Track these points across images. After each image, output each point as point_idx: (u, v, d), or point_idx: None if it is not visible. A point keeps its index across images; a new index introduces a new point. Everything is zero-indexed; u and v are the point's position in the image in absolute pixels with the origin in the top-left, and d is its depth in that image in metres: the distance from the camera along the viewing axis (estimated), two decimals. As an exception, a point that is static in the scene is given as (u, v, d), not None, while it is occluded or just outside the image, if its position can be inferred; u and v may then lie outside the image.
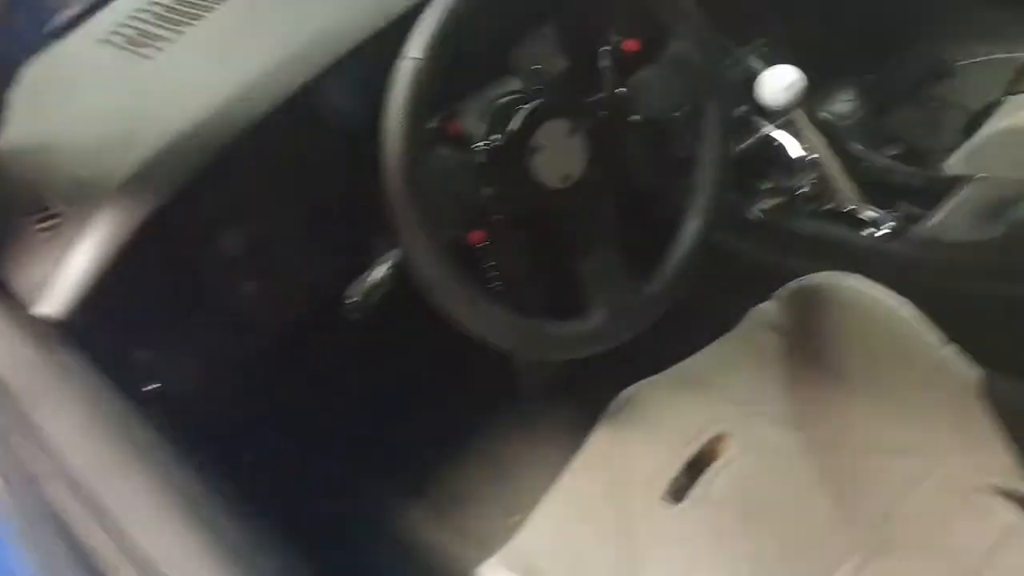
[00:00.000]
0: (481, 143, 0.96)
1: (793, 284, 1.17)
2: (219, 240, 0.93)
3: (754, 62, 1.39)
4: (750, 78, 1.33)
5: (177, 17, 1.06)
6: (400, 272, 0.93)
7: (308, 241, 1.00)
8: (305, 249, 1.00)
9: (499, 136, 0.95)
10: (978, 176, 1.26)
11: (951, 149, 1.42)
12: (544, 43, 1.09)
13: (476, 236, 0.97)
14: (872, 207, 1.26)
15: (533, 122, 0.95)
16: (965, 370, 1.01)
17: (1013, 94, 1.39)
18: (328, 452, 1.50)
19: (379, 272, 0.94)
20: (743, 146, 1.38)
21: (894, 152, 1.48)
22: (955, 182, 1.27)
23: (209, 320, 0.97)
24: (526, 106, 0.96)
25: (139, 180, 0.87)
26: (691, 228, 1.05)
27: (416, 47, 0.86)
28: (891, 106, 1.72)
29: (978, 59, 1.75)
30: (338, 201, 0.98)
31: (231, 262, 0.94)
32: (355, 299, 0.93)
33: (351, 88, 0.95)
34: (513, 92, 1.01)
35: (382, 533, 1.49)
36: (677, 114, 1.28)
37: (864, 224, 1.25)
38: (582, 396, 1.22)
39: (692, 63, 1.01)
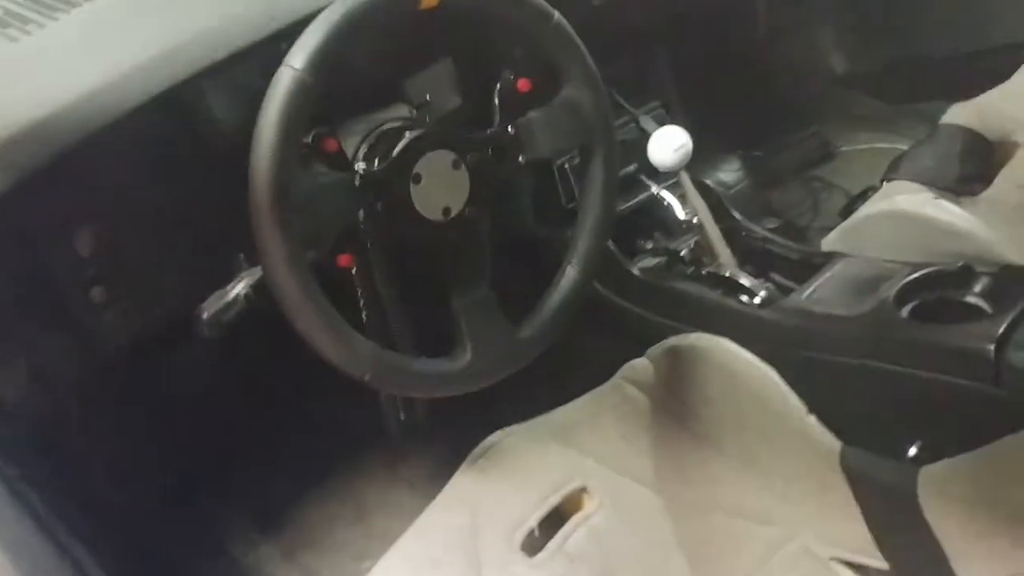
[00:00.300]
0: (360, 164, 0.92)
1: (666, 343, 1.17)
2: (66, 239, 0.87)
3: (647, 123, 1.41)
4: (642, 138, 1.34)
5: (52, 2, 1.00)
6: (260, 291, 0.88)
7: (166, 249, 0.95)
8: (162, 258, 0.95)
9: (379, 160, 0.92)
10: (851, 255, 1.29)
11: (828, 228, 1.45)
12: (440, 76, 1.09)
13: (344, 259, 0.93)
14: (748, 275, 1.28)
15: (416, 150, 0.92)
16: (826, 440, 1.02)
17: (888, 180, 1.43)
18: (175, 480, 1.43)
19: (237, 289, 0.89)
20: (630, 204, 1.41)
21: (773, 225, 1.52)
22: (828, 258, 1.31)
23: (48, 325, 0.91)
24: (411, 132, 0.93)
25: None
26: (569, 277, 1.03)
27: (296, 56, 0.83)
28: (776, 182, 1.78)
29: (861, 146, 1.84)
30: (203, 210, 0.93)
31: (78, 264, 0.88)
32: (207, 315, 0.88)
33: (229, 93, 0.90)
34: (401, 119, 0.99)
35: (226, 568, 1.42)
36: (563, 162, 1.32)
37: (738, 290, 1.26)
38: (448, 440, 1.19)
39: (581, 110, 1.01)
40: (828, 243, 1.38)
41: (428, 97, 1.03)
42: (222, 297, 0.89)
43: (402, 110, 1.01)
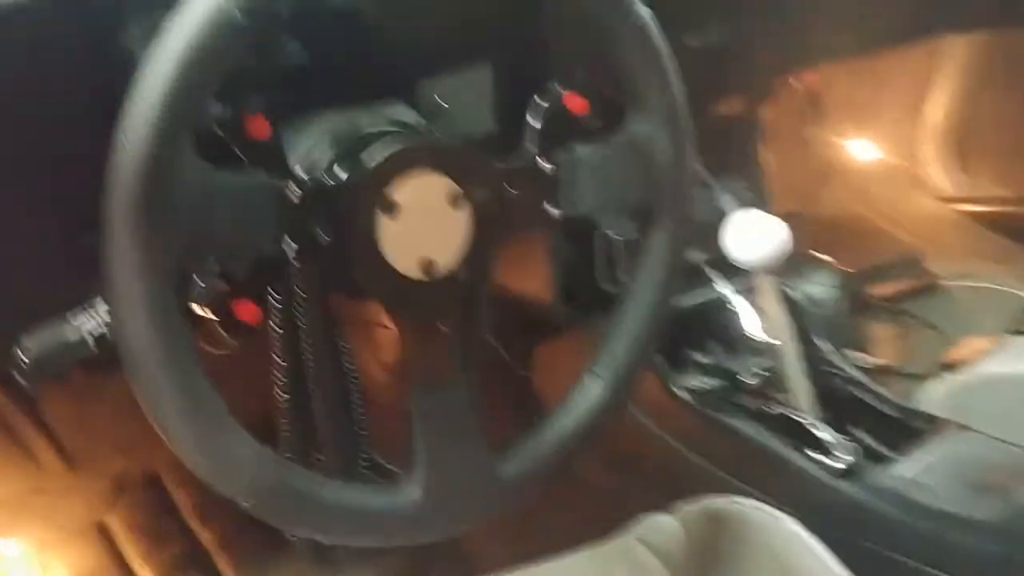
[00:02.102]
0: (305, 169, 0.62)
1: (704, 503, 0.89)
2: None
3: (726, 201, 1.11)
4: (717, 219, 1.04)
5: None
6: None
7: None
8: None
9: (342, 169, 0.62)
10: (967, 427, 1.02)
11: (918, 376, 1.27)
12: (471, 85, 0.82)
13: (246, 310, 0.61)
14: (829, 427, 1.00)
15: (400, 164, 0.61)
16: None
17: (1015, 334, 1.22)
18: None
19: (83, 323, 0.58)
20: (688, 303, 1.12)
21: (863, 364, 1.25)
22: (936, 424, 1.03)
23: None
24: (399, 141, 0.63)
25: None
26: (589, 394, 0.71)
27: None
28: (861, 309, 1.53)
29: (968, 283, 1.61)
30: (51, 196, 0.65)
31: None
32: (30, 352, 0.58)
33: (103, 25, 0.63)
34: (397, 123, 0.69)
35: None
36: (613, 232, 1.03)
37: (815, 447, 0.98)
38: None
39: (651, 155, 0.70)
40: (931, 402, 1.13)
41: (446, 106, 0.76)
42: (61, 331, 0.59)
43: (405, 115, 0.72)
